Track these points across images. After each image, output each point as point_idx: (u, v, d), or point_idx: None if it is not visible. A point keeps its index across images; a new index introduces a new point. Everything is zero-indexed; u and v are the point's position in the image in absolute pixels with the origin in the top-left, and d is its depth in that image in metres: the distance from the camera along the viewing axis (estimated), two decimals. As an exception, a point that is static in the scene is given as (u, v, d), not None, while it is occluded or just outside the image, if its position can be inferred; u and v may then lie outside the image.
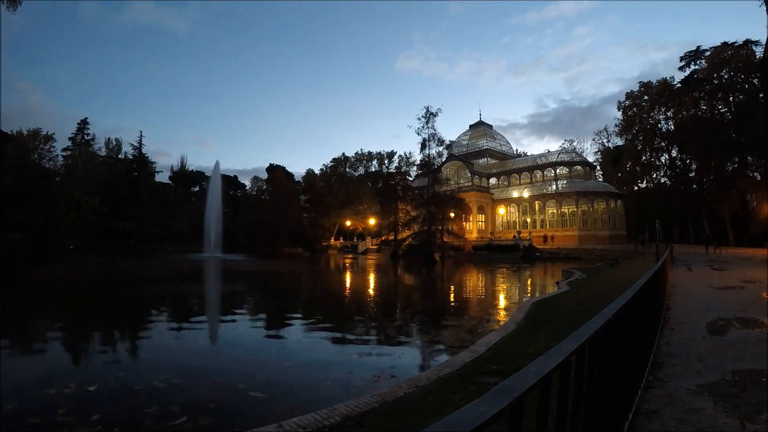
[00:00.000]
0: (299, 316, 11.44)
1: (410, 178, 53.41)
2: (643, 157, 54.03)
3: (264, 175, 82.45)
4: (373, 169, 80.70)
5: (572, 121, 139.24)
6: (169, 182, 77.57)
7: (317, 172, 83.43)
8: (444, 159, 49.35)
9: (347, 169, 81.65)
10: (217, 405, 4.62)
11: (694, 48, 45.49)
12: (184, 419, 4.16)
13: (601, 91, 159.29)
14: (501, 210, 58.31)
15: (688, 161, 51.14)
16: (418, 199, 41.85)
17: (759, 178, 39.52)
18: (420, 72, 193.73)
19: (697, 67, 45.10)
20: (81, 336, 8.84)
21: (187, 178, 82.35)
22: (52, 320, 10.51)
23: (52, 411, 4.34)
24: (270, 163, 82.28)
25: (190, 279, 22.50)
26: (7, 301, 12.79)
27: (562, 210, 53.27)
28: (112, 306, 12.60)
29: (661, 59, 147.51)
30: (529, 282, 20.74)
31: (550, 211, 53.95)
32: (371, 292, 17.46)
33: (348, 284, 20.48)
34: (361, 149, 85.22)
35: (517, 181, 60.04)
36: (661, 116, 52.52)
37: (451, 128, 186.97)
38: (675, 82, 48.98)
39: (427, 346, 7.87)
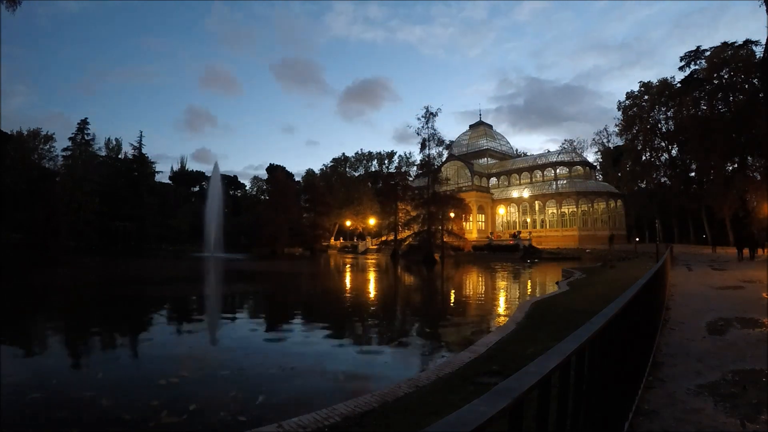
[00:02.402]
0: (300, 317, 11.44)
1: (410, 178, 53.38)
2: (643, 157, 54.01)
3: (264, 175, 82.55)
4: (373, 169, 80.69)
5: (549, 106, 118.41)
6: (169, 182, 77.61)
7: (317, 172, 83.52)
8: (444, 159, 49.30)
9: (347, 169, 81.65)
10: (298, 385, 5.37)
11: (694, 48, 45.55)
12: (262, 398, 4.84)
13: (578, 64, 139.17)
14: (501, 210, 58.29)
15: (688, 161, 51.11)
16: (418, 199, 41.79)
17: (759, 178, 39.49)
18: (347, 38, 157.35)
19: (697, 67, 45.07)
20: (160, 336, 8.79)
21: (186, 179, 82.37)
22: (115, 323, 10.36)
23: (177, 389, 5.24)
24: (270, 163, 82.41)
25: (218, 279, 22.51)
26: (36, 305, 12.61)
27: (562, 210, 53.27)
28: (153, 306, 12.52)
29: (648, 18, 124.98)
30: (528, 282, 20.70)
31: (550, 211, 53.94)
32: (371, 292, 17.45)
33: (349, 285, 20.47)
34: (361, 149, 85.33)
35: (517, 181, 60.01)
36: (661, 116, 52.53)
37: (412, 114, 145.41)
38: (675, 82, 49.02)
39: (426, 346, 7.85)
